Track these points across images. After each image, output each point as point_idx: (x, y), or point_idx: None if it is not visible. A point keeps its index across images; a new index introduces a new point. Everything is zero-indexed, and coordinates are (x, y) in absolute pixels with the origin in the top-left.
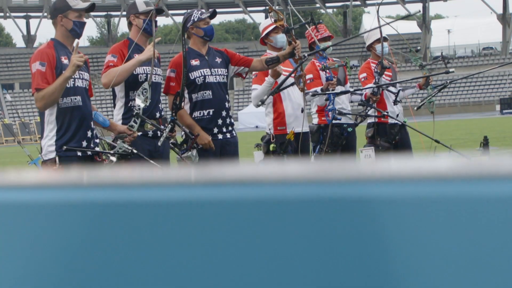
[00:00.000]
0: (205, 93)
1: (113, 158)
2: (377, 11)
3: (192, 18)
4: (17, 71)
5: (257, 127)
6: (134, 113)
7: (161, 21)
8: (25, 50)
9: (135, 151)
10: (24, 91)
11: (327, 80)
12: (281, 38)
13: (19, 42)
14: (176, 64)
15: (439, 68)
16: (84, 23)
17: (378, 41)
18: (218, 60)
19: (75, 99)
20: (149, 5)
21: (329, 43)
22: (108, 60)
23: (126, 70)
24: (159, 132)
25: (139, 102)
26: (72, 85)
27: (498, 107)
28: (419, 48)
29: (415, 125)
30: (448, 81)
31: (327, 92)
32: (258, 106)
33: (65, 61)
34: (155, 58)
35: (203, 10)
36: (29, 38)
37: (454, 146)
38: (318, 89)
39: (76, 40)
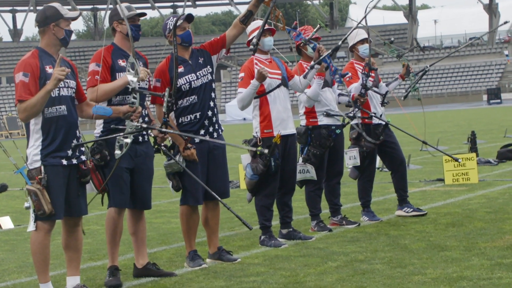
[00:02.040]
0: (191, 98)
1: (128, 140)
2: (366, 21)
3: (168, 27)
4: (3, 65)
5: (244, 119)
6: (130, 89)
7: (148, 14)
8: (12, 44)
9: (144, 125)
10: (11, 85)
11: (314, 49)
12: (268, 41)
13: (6, 36)
14: (161, 73)
15: (426, 58)
16: (72, 32)
17: (361, 42)
18: (201, 60)
19: (60, 108)
20: (132, 10)
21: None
22: (93, 70)
23: (112, 89)
24: (140, 138)
25: (131, 78)
26: (57, 95)
27: (485, 97)
28: (392, 39)
29: (402, 119)
30: (428, 66)
31: (321, 57)
32: (243, 109)
33: (49, 70)
34: (139, 79)
35: (179, 14)
36: (15, 32)
37: (441, 139)
38: (312, 63)
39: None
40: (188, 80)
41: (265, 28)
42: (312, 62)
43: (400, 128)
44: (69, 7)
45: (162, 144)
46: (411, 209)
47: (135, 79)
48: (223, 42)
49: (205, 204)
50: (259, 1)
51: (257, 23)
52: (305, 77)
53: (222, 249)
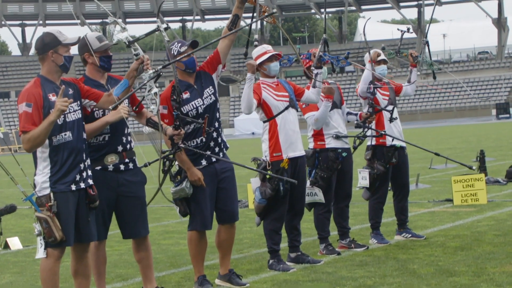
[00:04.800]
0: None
1: (155, 90)
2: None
3: (172, 52)
4: (12, 79)
5: (253, 133)
6: (127, 46)
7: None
8: (21, 58)
9: (159, 67)
10: None
11: (309, 58)
12: (275, 66)
13: (15, 50)
14: (167, 99)
15: (436, 72)
16: (72, 57)
17: (377, 63)
18: (204, 81)
19: (65, 135)
20: (102, 41)
21: (325, 67)
22: None
23: (92, 130)
24: (121, 166)
25: (120, 36)
26: (62, 121)
27: (494, 111)
28: (383, 45)
29: (412, 133)
30: (425, 40)
31: (316, 58)
32: (248, 109)
33: (53, 98)
34: (125, 114)
35: (184, 41)
36: (24, 46)
37: (450, 156)
38: (316, 71)
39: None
40: (195, 106)
41: (272, 54)
42: (312, 66)
43: (413, 144)
44: (78, 21)
45: (180, 142)
46: (410, 235)
47: (124, 35)
48: (218, 58)
49: (220, 227)
50: (242, 2)
51: (264, 48)
52: (314, 86)
53: (233, 272)
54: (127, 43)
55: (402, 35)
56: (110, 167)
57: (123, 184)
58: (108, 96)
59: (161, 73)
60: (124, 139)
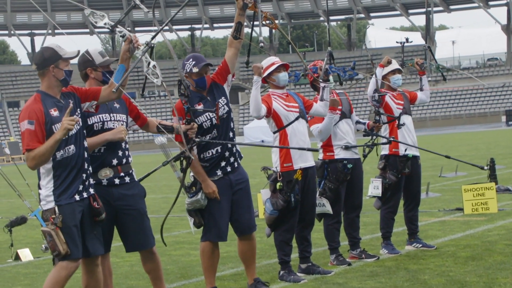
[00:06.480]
0: (212, 133)
1: (153, 62)
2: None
3: (185, 68)
4: (22, 89)
5: (262, 141)
6: (110, 30)
7: (166, 36)
8: (30, 68)
9: (148, 39)
10: None
11: (315, 72)
12: (283, 76)
13: (24, 59)
14: (181, 111)
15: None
16: (72, 71)
17: (392, 72)
18: (216, 92)
19: (69, 148)
20: (105, 56)
21: (331, 78)
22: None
23: (90, 146)
24: (116, 180)
25: (101, 23)
26: (67, 136)
27: (504, 118)
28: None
29: (422, 140)
30: (426, 46)
31: (322, 70)
32: (256, 111)
33: (54, 113)
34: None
35: (200, 58)
36: (33, 56)
37: (460, 164)
38: (323, 85)
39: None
40: (209, 117)
41: (280, 64)
42: (320, 80)
43: (425, 149)
44: (87, 30)
45: (195, 138)
46: (420, 245)
47: (105, 20)
48: (226, 68)
49: (239, 241)
50: (243, 9)
51: (271, 59)
52: (321, 99)
53: (258, 281)
54: (110, 28)
55: (403, 46)
56: (104, 181)
57: (120, 198)
58: (109, 87)
59: (152, 45)
60: (121, 152)
